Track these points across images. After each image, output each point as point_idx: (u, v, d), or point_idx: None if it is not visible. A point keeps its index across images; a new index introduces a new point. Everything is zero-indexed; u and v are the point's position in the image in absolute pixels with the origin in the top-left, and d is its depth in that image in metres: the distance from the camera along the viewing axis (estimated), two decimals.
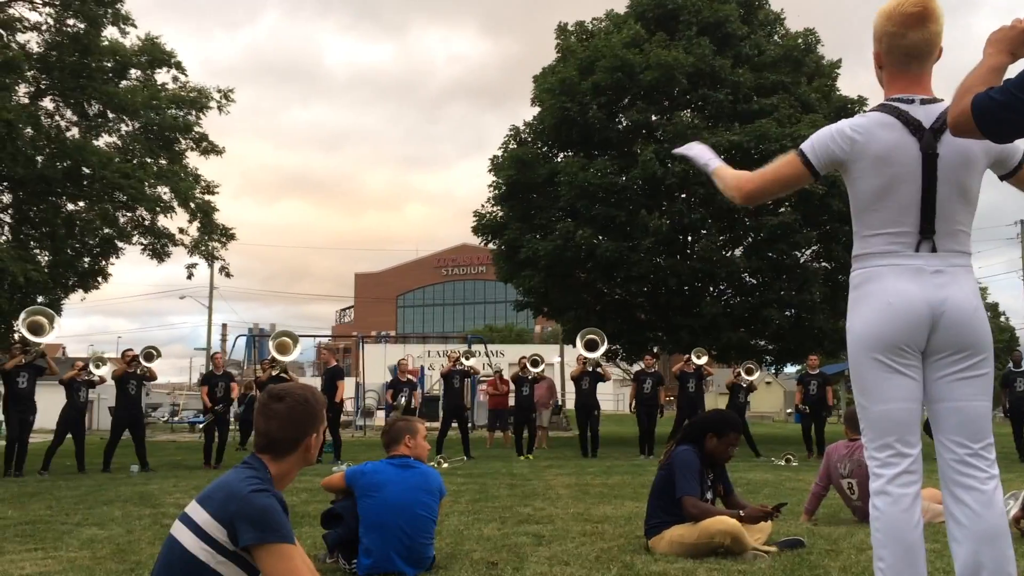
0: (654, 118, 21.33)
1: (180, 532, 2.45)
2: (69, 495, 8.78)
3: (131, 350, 13.46)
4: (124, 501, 8.11)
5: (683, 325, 20.39)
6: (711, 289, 21.98)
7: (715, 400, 31.85)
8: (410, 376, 16.32)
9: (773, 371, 25.49)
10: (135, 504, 7.87)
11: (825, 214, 19.88)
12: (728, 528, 4.64)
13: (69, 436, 12.60)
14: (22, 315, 12.35)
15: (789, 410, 15.54)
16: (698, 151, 3.12)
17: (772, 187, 2.90)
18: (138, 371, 13.05)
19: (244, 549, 2.37)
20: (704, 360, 15.55)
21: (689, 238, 21.27)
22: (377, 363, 30.61)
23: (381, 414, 25.18)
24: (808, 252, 21.76)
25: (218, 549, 2.38)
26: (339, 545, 4.61)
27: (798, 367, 19.13)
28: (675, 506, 4.83)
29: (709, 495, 5.03)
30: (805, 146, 2.79)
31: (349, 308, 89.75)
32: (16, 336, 13.77)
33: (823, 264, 21.66)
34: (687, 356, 15.71)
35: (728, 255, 20.93)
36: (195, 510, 2.46)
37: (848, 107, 21.25)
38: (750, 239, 21.59)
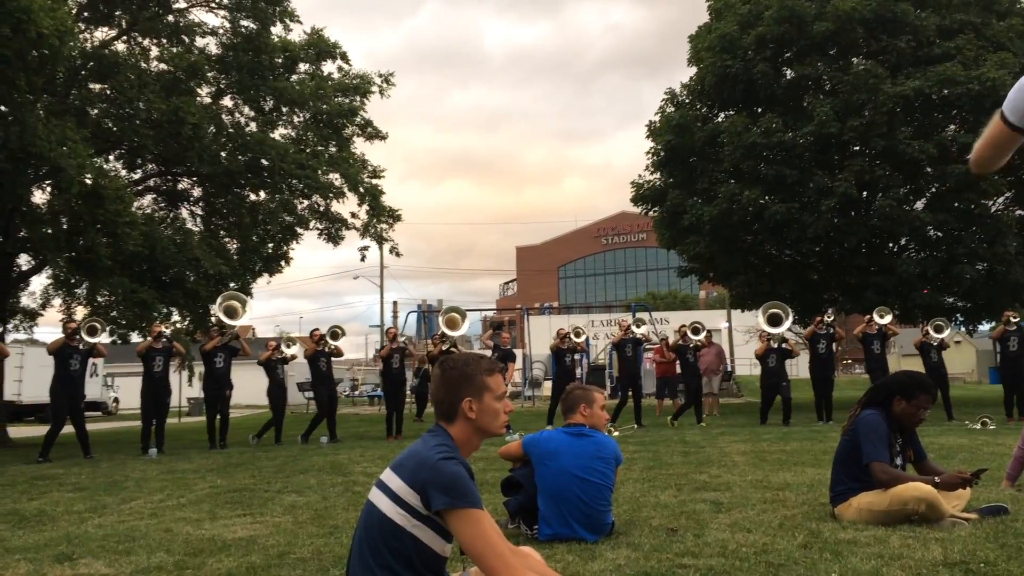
0: (822, 67, 20.29)
1: (378, 498, 2.60)
2: (269, 465, 9.47)
3: (317, 329, 14.21)
4: (318, 470, 8.67)
5: (868, 284, 19.35)
6: (891, 246, 20.74)
7: (898, 362, 30.17)
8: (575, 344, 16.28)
9: (965, 329, 23.75)
10: (328, 473, 8.39)
11: (1016, 158, 18.25)
12: (923, 494, 4.40)
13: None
14: (219, 299, 13.33)
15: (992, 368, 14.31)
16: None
17: (989, 152, 2.66)
18: (326, 349, 13.82)
19: (436, 513, 2.49)
20: (888, 319, 14.54)
21: (864, 194, 20.10)
22: (542, 334, 30.99)
23: (548, 384, 25.47)
24: (1000, 201, 20.08)
25: (413, 513, 2.52)
26: (520, 511, 4.72)
27: (992, 324, 17.72)
28: (862, 472, 4.63)
29: (899, 461, 4.78)
30: (1004, 104, 2.57)
31: (512, 281, 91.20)
32: (213, 319, 14.86)
33: (1018, 212, 19.92)
34: (869, 316, 14.83)
35: (910, 210, 19.59)
36: (390, 477, 2.60)
37: None
38: (934, 189, 20.18)
